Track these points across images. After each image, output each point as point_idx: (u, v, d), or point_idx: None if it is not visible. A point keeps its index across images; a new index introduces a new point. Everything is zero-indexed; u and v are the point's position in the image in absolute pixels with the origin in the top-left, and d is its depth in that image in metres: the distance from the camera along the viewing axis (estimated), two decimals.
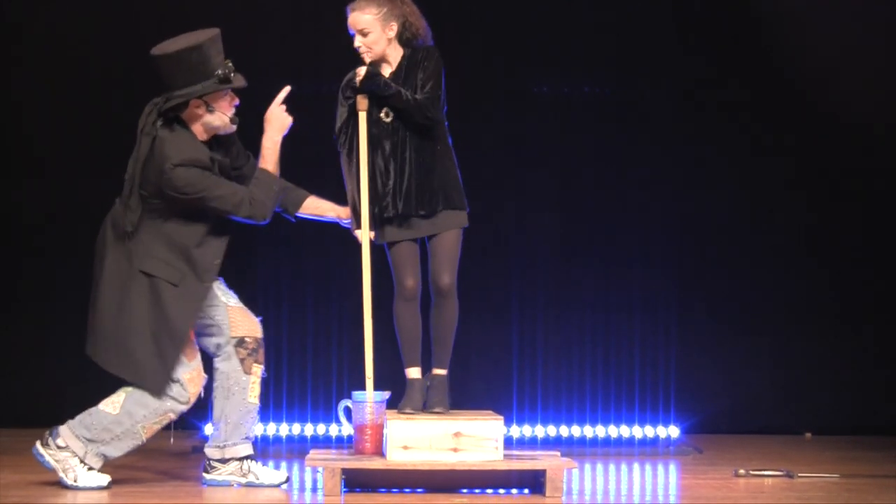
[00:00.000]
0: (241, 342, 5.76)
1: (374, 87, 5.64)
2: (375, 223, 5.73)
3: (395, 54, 5.76)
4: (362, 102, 5.68)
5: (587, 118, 7.77)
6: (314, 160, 7.73)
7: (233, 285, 7.66)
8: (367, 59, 5.68)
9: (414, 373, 5.72)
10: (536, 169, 7.52)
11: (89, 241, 7.76)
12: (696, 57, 7.90)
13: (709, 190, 7.97)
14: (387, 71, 5.75)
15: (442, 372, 5.73)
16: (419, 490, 5.50)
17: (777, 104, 8.00)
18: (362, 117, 5.70)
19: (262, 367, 5.76)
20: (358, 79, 5.66)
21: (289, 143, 7.72)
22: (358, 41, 5.66)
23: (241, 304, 5.87)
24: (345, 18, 5.75)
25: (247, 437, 5.75)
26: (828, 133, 8.03)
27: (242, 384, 5.71)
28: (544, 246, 7.72)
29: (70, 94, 7.85)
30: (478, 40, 7.73)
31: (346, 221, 5.83)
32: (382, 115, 5.69)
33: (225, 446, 5.75)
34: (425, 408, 5.65)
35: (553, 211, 7.50)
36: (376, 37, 5.66)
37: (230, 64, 5.70)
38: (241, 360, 5.73)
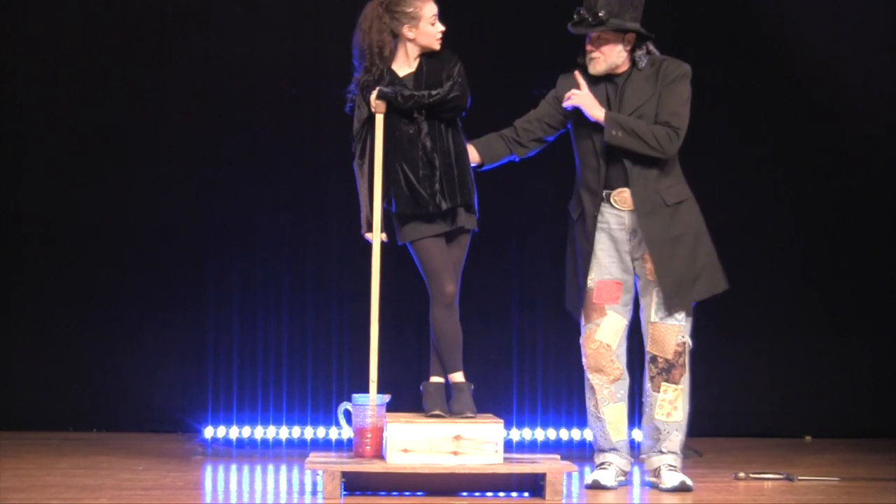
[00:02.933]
0: (653, 359, 5.85)
1: (395, 104, 5.67)
2: (402, 222, 5.71)
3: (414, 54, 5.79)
4: (379, 105, 5.68)
5: None
6: (318, 161, 7.77)
7: (234, 286, 7.73)
8: (436, 48, 5.72)
9: (459, 377, 5.69)
10: (536, 171, 7.52)
11: (89, 243, 7.81)
12: (696, 59, 7.89)
13: (707, 192, 7.93)
14: (406, 70, 5.76)
15: (440, 380, 5.75)
16: (419, 493, 5.51)
17: (776, 106, 8.00)
18: (379, 119, 5.70)
19: (674, 384, 5.85)
20: (373, 106, 5.68)
21: (294, 143, 7.77)
22: (440, 28, 5.72)
23: (669, 322, 5.82)
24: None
25: (660, 451, 5.83)
26: (827, 135, 8.03)
27: (652, 401, 5.85)
28: (544, 248, 7.72)
29: (68, 97, 7.85)
30: (478, 43, 7.74)
31: None
32: (416, 112, 5.70)
33: (641, 453, 5.94)
34: (425, 411, 5.67)
35: (553, 213, 7.48)
36: None
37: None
38: (651, 378, 5.85)
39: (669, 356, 5.80)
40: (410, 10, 5.68)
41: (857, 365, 8.02)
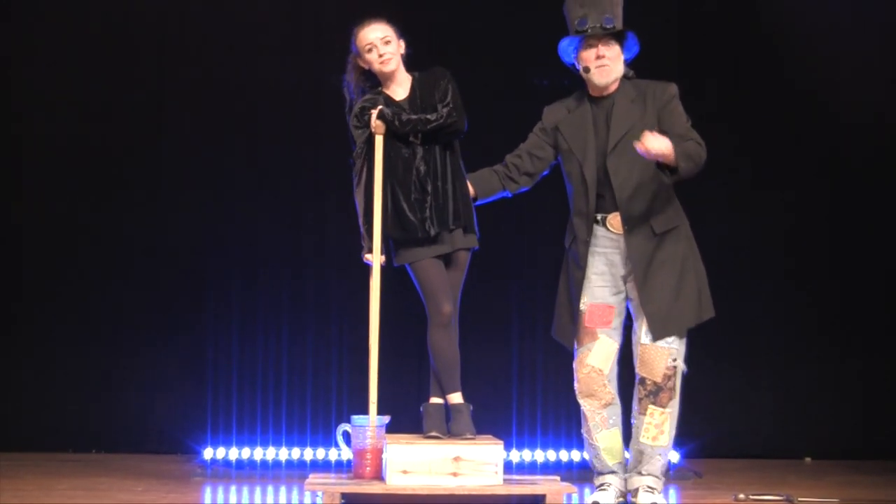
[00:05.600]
0: (641, 381, 5.80)
1: (391, 126, 5.69)
2: (399, 245, 5.74)
3: (405, 78, 5.84)
4: (379, 126, 5.72)
5: None
6: (318, 181, 7.78)
7: (233, 307, 7.73)
8: (388, 69, 5.78)
9: (457, 398, 5.71)
10: (537, 193, 7.54)
11: (88, 264, 7.81)
12: (695, 63, 7.92)
13: (708, 212, 7.96)
14: (400, 94, 5.81)
15: (440, 401, 5.75)
16: None
17: (777, 125, 8.00)
18: (379, 141, 5.73)
19: (661, 408, 5.77)
20: (373, 124, 5.71)
21: (293, 163, 7.79)
22: (382, 49, 5.77)
23: (660, 344, 5.76)
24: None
25: (639, 473, 5.80)
26: (824, 159, 8.04)
27: (638, 423, 5.79)
28: (544, 270, 7.72)
29: (69, 116, 7.86)
30: (477, 35, 7.78)
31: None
32: (412, 136, 5.73)
33: (627, 479, 5.89)
34: (423, 432, 5.67)
35: (553, 236, 7.51)
36: (395, 48, 5.81)
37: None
38: (639, 400, 5.80)
39: (658, 379, 5.77)
40: (354, 41, 5.85)
41: (857, 386, 8.02)
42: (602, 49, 5.78)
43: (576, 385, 5.88)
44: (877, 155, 8.04)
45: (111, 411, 7.81)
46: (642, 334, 5.77)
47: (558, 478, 5.75)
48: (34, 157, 7.87)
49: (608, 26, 5.74)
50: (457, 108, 5.73)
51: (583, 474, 7.22)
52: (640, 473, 5.80)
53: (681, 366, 5.81)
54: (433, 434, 5.59)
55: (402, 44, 5.85)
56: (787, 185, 8.04)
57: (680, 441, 7.66)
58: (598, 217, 5.82)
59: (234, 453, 7.56)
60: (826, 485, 6.78)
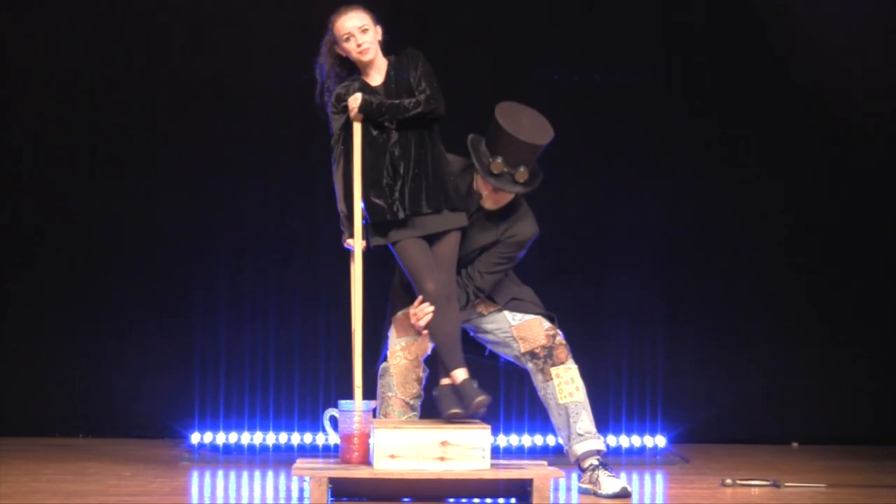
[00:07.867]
0: (531, 355, 5.88)
1: (371, 113, 5.68)
2: (376, 228, 5.72)
3: (382, 63, 5.83)
4: (358, 114, 5.70)
5: (573, 133, 7.75)
6: (305, 168, 7.77)
7: (220, 292, 7.73)
8: (367, 59, 5.76)
9: (462, 374, 5.67)
10: None
11: (75, 249, 7.80)
12: (693, 56, 7.90)
13: (697, 199, 7.97)
14: (377, 79, 5.79)
15: (449, 381, 5.72)
16: (406, 499, 5.50)
17: (774, 112, 7.99)
18: (357, 127, 5.72)
19: (562, 365, 5.86)
20: (352, 112, 5.69)
21: (280, 150, 7.77)
22: (361, 38, 5.74)
23: (526, 318, 5.94)
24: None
25: (579, 435, 5.85)
26: (822, 144, 8.03)
27: (550, 391, 5.85)
28: (531, 255, 7.70)
29: (56, 105, 7.83)
30: (466, 31, 7.77)
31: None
32: (386, 122, 5.72)
33: (567, 453, 5.92)
34: (443, 416, 5.65)
35: (541, 220, 7.52)
36: (373, 36, 5.79)
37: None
38: (540, 371, 5.88)
39: (544, 341, 5.89)
40: (332, 28, 5.82)
41: (846, 372, 8.02)
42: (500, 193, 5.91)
43: (391, 369, 5.89)
44: (873, 144, 8.03)
45: (98, 396, 7.80)
46: (508, 319, 5.93)
47: (546, 462, 5.75)
48: (23, 147, 7.83)
49: (523, 182, 5.84)
50: (434, 95, 5.72)
51: None
52: (578, 435, 5.85)
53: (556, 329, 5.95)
54: (454, 412, 5.56)
55: (380, 30, 5.83)
56: (779, 172, 8.03)
57: (667, 426, 7.71)
58: None
59: (221, 438, 7.55)
60: (813, 469, 6.80)
